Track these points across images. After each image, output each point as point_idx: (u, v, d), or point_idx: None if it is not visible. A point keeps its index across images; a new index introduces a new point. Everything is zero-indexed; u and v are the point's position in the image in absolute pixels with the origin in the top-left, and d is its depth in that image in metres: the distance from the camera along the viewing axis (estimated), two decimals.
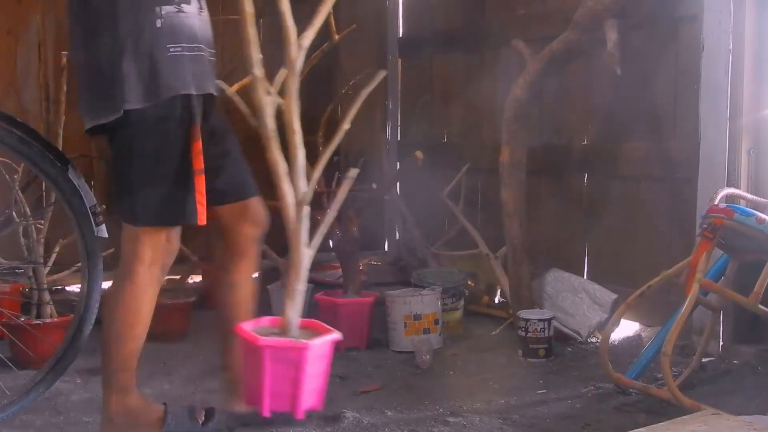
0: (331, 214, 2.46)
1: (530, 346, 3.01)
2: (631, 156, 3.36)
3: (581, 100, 3.63)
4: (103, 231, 2.37)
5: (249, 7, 2.20)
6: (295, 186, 2.28)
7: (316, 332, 2.36)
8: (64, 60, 2.96)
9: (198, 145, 2.12)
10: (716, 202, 2.59)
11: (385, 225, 4.87)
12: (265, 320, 2.41)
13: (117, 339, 2.18)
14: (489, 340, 3.28)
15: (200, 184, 2.13)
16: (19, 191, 2.74)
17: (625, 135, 3.40)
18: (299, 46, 2.27)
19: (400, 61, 4.84)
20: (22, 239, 2.86)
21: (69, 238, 2.68)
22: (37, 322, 2.81)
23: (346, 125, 2.39)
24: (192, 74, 2.13)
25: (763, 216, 2.41)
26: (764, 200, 2.77)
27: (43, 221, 2.87)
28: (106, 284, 2.33)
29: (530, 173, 3.44)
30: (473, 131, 4.17)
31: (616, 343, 3.14)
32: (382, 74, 2.46)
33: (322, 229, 2.38)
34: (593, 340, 3.19)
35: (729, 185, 2.84)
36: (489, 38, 4.07)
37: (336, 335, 2.34)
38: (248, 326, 2.31)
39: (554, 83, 3.49)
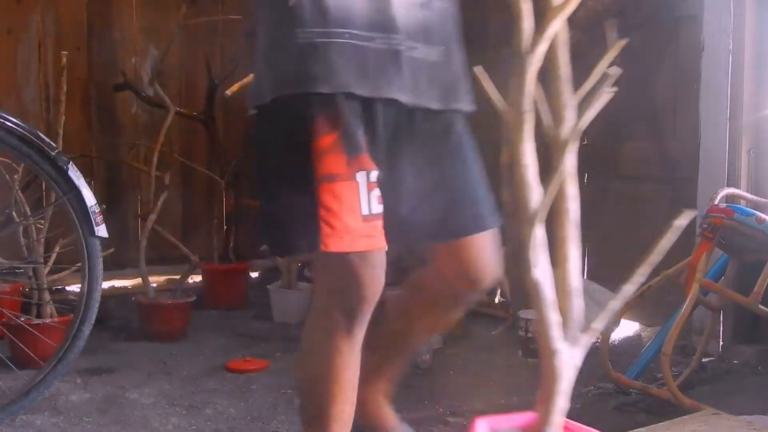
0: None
1: (530, 346, 3.01)
2: (631, 156, 3.36)
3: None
4: (103, 231, 2.37)
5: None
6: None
7: None
8: (64, 60, 2.96)
9: (320, 144, 1.52)
10: (716, 202, 2.59)
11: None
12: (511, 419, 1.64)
13: None
14: (489, 340, 3.28)
15: (326, 196, 1.51)
16: (19, 191, 2.74)
17: (625, 135, 3.40)
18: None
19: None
20: (22, 239, 2.86)
21: (69, 238, 2.68)
22: (37, 321, 2.81)
23: None
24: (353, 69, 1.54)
25: (763, 216, 2.41)
26: (764, 200, 2.77)
27: (43, 221, 2.87)
28: (106, 284, 2.33)
29: None
30: (473, 131, 4.16)
31: (616, 342, 3.14)
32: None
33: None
34: (593, 340, 3.19)
35: (729, 185, 2.84)
36: (489, 38, 4.07)
37: None
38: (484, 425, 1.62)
39: None
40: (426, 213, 1.67)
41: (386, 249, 1.56)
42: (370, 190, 1.52)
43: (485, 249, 1.72)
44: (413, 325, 1.91)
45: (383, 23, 1.58)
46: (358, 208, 1.51)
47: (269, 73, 1.59)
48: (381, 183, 1.55)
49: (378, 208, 1.54)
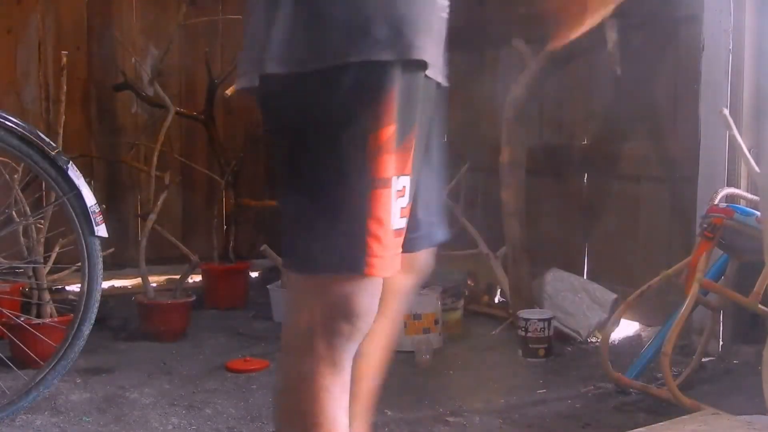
0: None
1: (530, 345, 3.01)
2: (631, 156, 3.36)
3: (581, 99, 3.62)
4: (103, 231, 2.37)
5: None
6: None
7: None
8: (64, 60, 2.96)
9: (381, 136, 1.18)
10: (716, 202, 2.59)
11: None
12: None
13: None
14: (489, 340, 3.28)
15: (378, 205, 1.20)
16: (19, 191, 2.74)
17: (625, 135, 3.40)
18: None
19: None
20: (22, 239, 2.86)
21: (69, 238, 2.68)
22: (37, 321, 2.81)
23: None
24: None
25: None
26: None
27: (43, 221, 2.87)
28: (106, 284, 2.33)
29: (530, 173, 3.44)
30: (473, 131, 4.17)
31: (615, 342, 3.14)
32: None
33: None
34: (593, 339, 3.19)
35: (729, 185, 2.84)
36: (489, 38, 4.07)
37: None
38: None
39: (554, 83, 3.49)
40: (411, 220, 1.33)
41: None
42: (397, 198, 1.23)
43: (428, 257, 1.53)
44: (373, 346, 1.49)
45: None
46: (390, 222, 1.22)
47: (313, 30, 1.18)
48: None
49: (402, 222, 1.24)
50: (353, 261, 1.20)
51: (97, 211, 2.37)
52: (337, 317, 1.23)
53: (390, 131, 1.18)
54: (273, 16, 1.19)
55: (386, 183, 1.19)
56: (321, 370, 1.24)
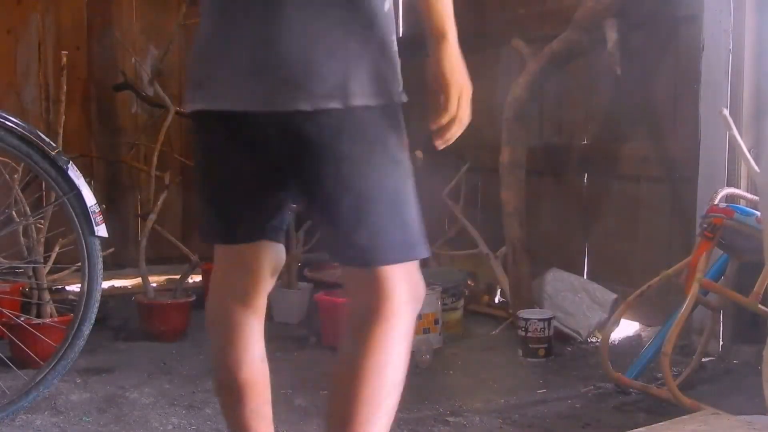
0: None
1: (530, 345, 3.01)
2: (631, 156, 3.36)
3: (581, 99, 3.62)
4: (103, 231, 2.37)
5: None
6: None
7: None
8: (64, 60, 2.96)
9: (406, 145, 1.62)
10: (716, 202, 2.59)
11: None
12: None
13: None
14: (489, 340, 3.28)
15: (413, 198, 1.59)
16: (19, 191, 2.74)
17: (625, 135, 3.40)
18: None
19: (400, 60, 4.83)
20: (22, 239, 2.86)
21: (69, 238, 2.68)
22: (37, 321, 2.81)
23: None
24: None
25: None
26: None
27: (43, 221, 2.87)
28: (106, 284, 2.34)
29: (530, 173, 3.44)
30: (473, 131, 4.15)
31: (615, 342, 3.14)
32: None
33: None
34: (593, 339, 3.19)
35: (729, 185, 2.84)
36: (489, 38, 4.07)
37: None
38: None
39: (554, 83, 3.49)
40: None
41: None
42: None
43: None
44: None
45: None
46: None
47: (392, 74, 1.64)
48: None
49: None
50: (423, 244, 1.56)
51: (97, 211, 2.37)
52: (419, 295, 1.58)
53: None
54: (358, 48, 1.54)
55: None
56: (408, 338, 1.56)
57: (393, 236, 1.53)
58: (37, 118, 3.97)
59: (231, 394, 1.71)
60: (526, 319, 3.01)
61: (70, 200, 2.35)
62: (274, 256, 1.70)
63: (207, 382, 2.76)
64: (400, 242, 1.53)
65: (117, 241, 3.27)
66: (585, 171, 3.64)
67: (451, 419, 2.42)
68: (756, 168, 2.03)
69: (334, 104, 1.46)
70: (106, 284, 3.17)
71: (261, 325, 1.74)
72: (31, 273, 2.86)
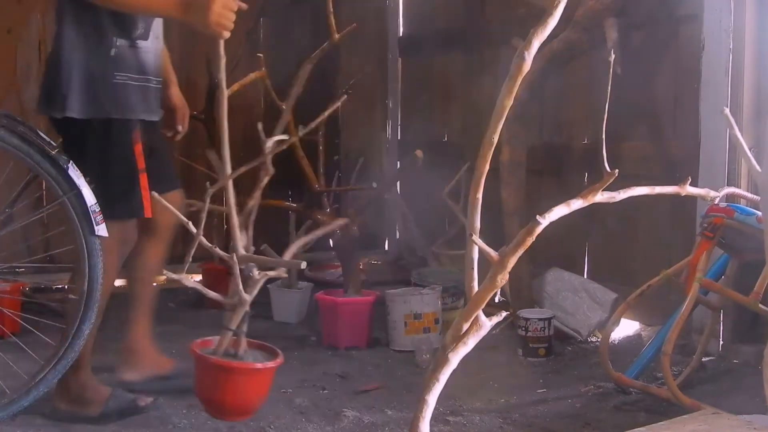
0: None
1: (530, 345, 3.01)
2: (631, 155, 3.36)
3: (581, 99, 3.63)
4: (103, 230, 2.37)
5: None
6: None
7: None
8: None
9: (138, 148, 2.38)
10: (716, 202, 2.59)
11: (385, 224, 4.87)
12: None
13: None
14: (489, 339, 3.27)
15: (144, 180, 2.38)
16: (20, 191, 2.73)
17: (625, 134, 3.40)
18: None
19: (400, 60, 4.84)
20: (22, 239, 2.86)
21: (69, 238, 2.67)
22: None
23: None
24: (135, 101, 2.38)
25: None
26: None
27: (43, 221, 2.87)
28: None
29: (530, 172, 3.44)
30: (473, 130, 4.17)
31: (616, 342, 3.15)
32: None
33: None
34: (593, 339, 3.20)
35: (729, 185, 2.84)
36: (489, 37, 4.07)
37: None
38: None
39: (555, 82, 3.49)
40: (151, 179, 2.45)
41: None
42: None
43: (180, 196, 2.64)
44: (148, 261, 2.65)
45: (146, 70, 2.44)
46: None
47: (79, 97, 2.33)
48: None
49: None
50: (138, 209, 2.42)
51: (97, 210, 2.36)
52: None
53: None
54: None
55: None
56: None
57: None
58: (38, 118, 3.96)
59: None
60: (527, 319, 3.01)
61: (70, 200, 2.34)
62: None
63: None
64: None
65: None
66: (585, 170, 3.64)
67: (451, 419, 2.42)
68: (757, 167, 2.02)
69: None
70: None
71: None
72: (31, 273, 2.85)
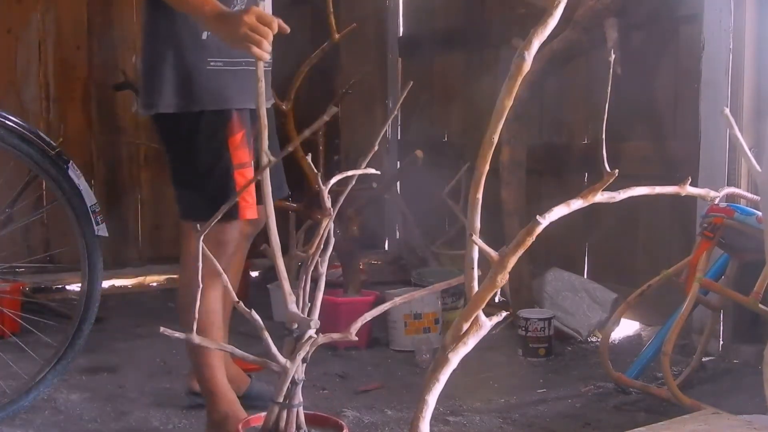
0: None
1: (530, 345, 3.01)
2: (631, 155, 3.35)
3: (581, 99, 3.62)
4: (103, 230, 2.37)
5: None
6: None
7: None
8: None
9: (234, 141, 2.11)
10: (716, 202, 2.59)
11: (385, 224, 4.87)
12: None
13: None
14: (489, 339, 3.27)
15: (240, 178, 2.11)
16: (20, 191, 2.74)
17: (625, 134, 3.40)
18: None
19: (400, 60, 4.84)
20: (22, 239, 2.86)
21: (69, 238, 2.68)
22: None
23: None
24: (231, 89, 2.12)
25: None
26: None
27: (43, 221, 2.87)
28: (106, 284, 2.34)
29: (530, 172, 3.44)
30: (473, 130, 4.17)
31: (616, 342, 3.14)
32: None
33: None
34: (593, 339, 3.19)
35: (729, 185, 2.84)
36: (489, 37, 4.07)
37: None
38: None
39: (555, 82, 3.49)
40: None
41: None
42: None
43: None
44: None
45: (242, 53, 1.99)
46: None
47: (172, 92, 2.12)
48: None
49: None
50: (231, 211, 1.97)
51: (97, 210, 2.37)
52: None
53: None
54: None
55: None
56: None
57: None
58: (37, 118, 3.97)
59: None
60: (526, 319, 3.01)
61: (70, 200, 2.35)
62: None
63: None
64: None
65: (117, 241, 3.27)
66: (585, 170, 3.64)
67: (451, 419, 2.42)
68: (757, 167, 2.03)
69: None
70: (106, 284, 3.17)
71: None
72: (31, 273, 2.86)
